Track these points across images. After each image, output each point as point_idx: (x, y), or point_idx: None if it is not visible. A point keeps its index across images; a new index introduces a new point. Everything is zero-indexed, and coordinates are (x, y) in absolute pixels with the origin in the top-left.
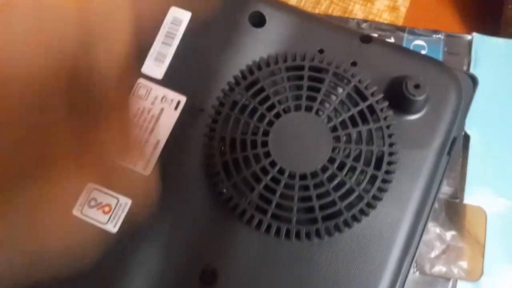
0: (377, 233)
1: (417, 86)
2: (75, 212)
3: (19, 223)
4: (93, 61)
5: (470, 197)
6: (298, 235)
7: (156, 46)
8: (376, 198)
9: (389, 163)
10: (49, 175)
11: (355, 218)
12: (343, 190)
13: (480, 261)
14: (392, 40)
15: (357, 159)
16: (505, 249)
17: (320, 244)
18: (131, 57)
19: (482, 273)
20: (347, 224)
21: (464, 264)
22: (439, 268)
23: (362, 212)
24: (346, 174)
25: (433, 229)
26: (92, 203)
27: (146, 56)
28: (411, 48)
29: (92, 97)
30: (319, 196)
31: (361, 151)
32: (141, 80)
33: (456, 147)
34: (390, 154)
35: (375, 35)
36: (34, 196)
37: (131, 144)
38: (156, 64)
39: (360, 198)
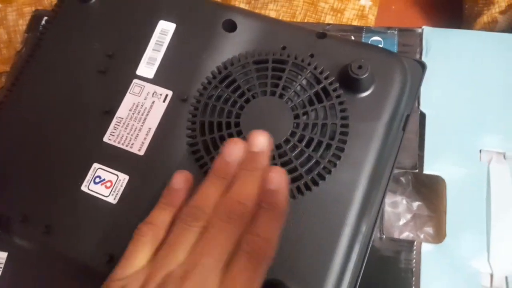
0: (335, 195)
1: (360, 67)
2: (83, 188)
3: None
4: None
5: (430, 168)
6: None
7: (148, 52)
8: (331, 163)
9: (342, 133)
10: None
11: (314, 181)
12: (303, 158)
13: (443, 225)
14: (352, 38)
15: (314, 132)
16: (464, 213)
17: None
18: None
19: (445, 236)
20: (307, 186)
21: (429, 229)
22: (407, 234)
23: (319, 175)
24: (305, 145)
25: (402, 201)
26: (97, 179)
27: (140, 61)
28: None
29: None
30: (283, 164)
31: (317, 125)
32: (136, 81)
33: (413, 124)
34: (342, 126)
35: (338, 34)
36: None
37: None
38: (148, 66)
39: (317, 163)
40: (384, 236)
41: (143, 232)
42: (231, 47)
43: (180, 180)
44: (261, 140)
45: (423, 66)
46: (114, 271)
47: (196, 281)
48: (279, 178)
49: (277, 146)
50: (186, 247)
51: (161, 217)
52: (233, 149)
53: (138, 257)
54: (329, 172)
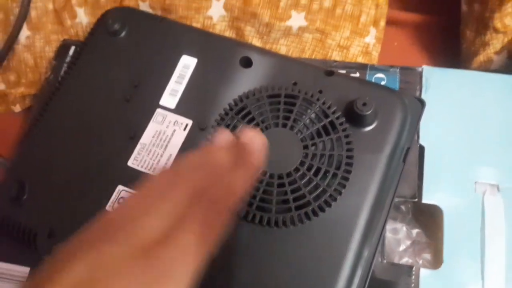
0: (340, 221)
1: (364, 104)
2: (108, 208)
3: None
4: None
5: (429, 198)
6: (276, 223)
7: (171, 84)
8: (337, 191)
9: (347, 164)
10: None
11: (320, 208)
12: (311, 186)
13: (441, 252)
14: (357, 75)
15: (322, 161)
16: (460, 240)
17: (294, 231)
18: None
19: (442, 262)
20: (314, 212)
21: (427, 255)
22: (406, 260)
23: (326, 203)
24: (313, 173)
25: (402, 228)
26: (121, 201)
27: (163, 92)
28: (373, 80)
29: None
30: (293, 191)
31: (324, 155)
32: (159, 110)
33: (413, 156)
34: (348, 157)
35: (344, 71)
36: None
37: None
38: (171, 97)
39: (324, 191)
40: (385, 261)
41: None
42: (247, 81)
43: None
44: (251, 134)
45: (422, 103)
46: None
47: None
48: (258, 139)
49: (287, 174)
50: None
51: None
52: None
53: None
54: (335, 199)
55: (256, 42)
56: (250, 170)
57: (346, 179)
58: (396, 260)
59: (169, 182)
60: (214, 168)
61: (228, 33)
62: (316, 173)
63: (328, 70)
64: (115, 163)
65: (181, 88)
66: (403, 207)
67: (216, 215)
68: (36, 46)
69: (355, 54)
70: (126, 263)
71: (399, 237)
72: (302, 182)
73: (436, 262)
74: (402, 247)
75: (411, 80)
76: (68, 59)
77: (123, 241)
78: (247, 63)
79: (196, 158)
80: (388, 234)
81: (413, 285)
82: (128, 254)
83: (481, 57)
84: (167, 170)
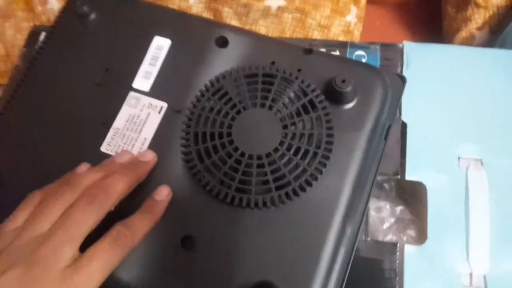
0: (321, 200)
1: (343, 81)
2: None
3: None
4: None
5: (412, 175)
6: (256, 204)
7: (144, 66)
8: (317, 170)
9: (327, 143)
10: None
11: (301, 187)
12: (291, 165)
13: (425, 228)
14: (337, 53)
15: (301, 141)
16: (444, 216)
17: (276, 211)
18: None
19: (426, 238)
20: (295, 192)
21: (412, 232)
22: (390, 237)
23: (306, 182)
24: (293, 153)
25: (386, 206)
26: None
27: (136, 75)
28: (354, 58)
29: None
30: (273, 171)
31: (304, 135)
32: (132, 93)
33: (395, 133)
34: (328, 136)
35: (324, 50)
36: None
37: None
38: (144, 80)
39: (304, 171)
40: (369, 239)
41: (30, 196)
42: (223, 62)
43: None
44: (149, 154)
45: (403, 80)
46: (4, 223)
47: (48, 249)
48: (166, 192)
49: (267, 155)
50: (52, 218)
51: (52, 188)
52: (124, 154)
53: (20, 215)
54: (316, 178)
55: (235, 24)
56: (153, 221)
57: (327, 157)
58: (380, 238)
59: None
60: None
61: (205, 15)
62: (296, 153)
63: (306, 48)
64: (88, 150)
65: (155, 70)
66: (386, 185)
67: (117, 253)
68: (7, 34)
69: (336, 34)
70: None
71: (383, 215)
72: (282, 162)
73: (421, 238)
74: (386, 225)
75: (392, 56)
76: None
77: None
78: (223, 43)
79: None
80: (372, 213)
81: (397, 261)
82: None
83: (463, 33)
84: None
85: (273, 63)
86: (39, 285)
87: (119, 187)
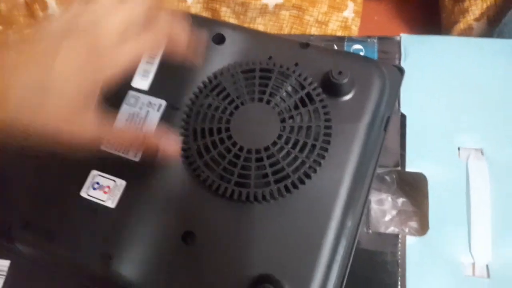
0: (321, 192)
1: (340, 73)
2: (82, 193)
3: None
4: None
5: (412, 166)
6: (256, 197)
7: (142, 65)
8: (316, 162)
9: (325, 135)
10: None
11: (300, 180)
12: (289, 158)
13: (426, 219)
14: (335, 47)
15: (300, 134)
16: (445, 207)
17: (275, 205)
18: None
19: (428, 228)
20: (294, 185)
21: (414, 223)
22: (392, 229)
23: (305, 175)
24: (291, 146)
25: (387, 198)
26: (95, 186)
27: (134, 74)
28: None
29: None
30: (271, 165)
31: (302, 127)
32: (131, 92)
33: (395, 124)
34: (326, 128)
35: (321, 45)
36: None
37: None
38: (143, 79)
39: (303, 163)
40: (370, 231)
41: None
42: (221, 58)
43: None
44: None
45: (401, 71)
46: None
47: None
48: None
49: (265, 148)
50: None
51: None
52: None
53: None
54: (315, 171)
55: (233, 22)
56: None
57: (325, 150)
58: (382, 230)
59: None
60: None
61: (204, 15)
62: (294, 146)
63: (303, 42)
64: (88, 147)
65: (153, 69)
66: (387, 178)
67: None
68: (10, 41)
69: (334, 29)
70: None
71: (385, 207)
72: (281, 155)
73: (422, 229)
74: (388, 217)
75: (390, 49)
76: None
77: None
78: (220, 39)
79: None
80: (374, 206)
81: (399, 253)
82: None
83: (461, 25)
84: None
85: (270, 58)
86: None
87: None
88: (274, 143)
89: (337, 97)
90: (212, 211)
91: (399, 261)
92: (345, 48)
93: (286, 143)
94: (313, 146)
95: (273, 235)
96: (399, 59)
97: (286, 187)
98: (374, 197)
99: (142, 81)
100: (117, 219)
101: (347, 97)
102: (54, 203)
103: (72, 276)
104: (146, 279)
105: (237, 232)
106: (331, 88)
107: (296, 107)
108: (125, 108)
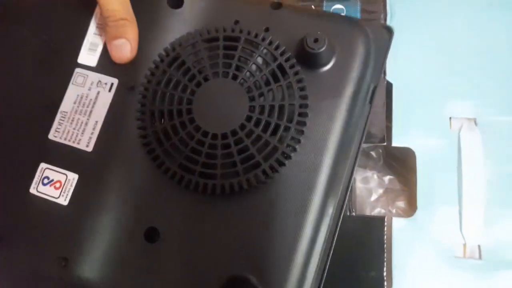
0: (297, 180)
1: (316, 40)
2: (32, 190)
3: None
4: None
5: (400, 140)
6: (223, 189)
7: (89, 37)
8: (290, 147)
9: (301, 115)
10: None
11: (272, 168)
12: (259, 143)
13: (414, 198)
14: (312, 7)
15: (271, 115)
16: (435, 184)
17: (245, 196)
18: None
19: (416, 209)
20: (266, 174)
21: (401, 203)
22: (379, 210)
23: (278, 162)
24: (262, 129)
25: (373, 176)
26: (45, 180)
27: (81, 48)
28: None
29: None
30: (240, 151)
31: (274, 107)
32: (78, 70)
33: (380, 94)
34: (301, 106)
35: (297, 4)
36: None
37: None
38: (90, 53)
39: (275, 149)
40: (354, 214)
41: None
42: (179, 25)
43: None
44: None
45: (390, 32)
46: None
47: None
48: None
49: (232, 133)
50: None
51: None
52: None
53: None
54: (289, 157)
55: None
56: None
57: (301, 132)
58: (367, 212)
59: None
60: None
61: None
62: (265, 129)
63: (275, 2)
64: (35, 138)
65: (101, 41)
66: (373, 153)
67: None
68: None
69: None
70: None
71: (371, 186)
72: (250, 140)
73: (410, 209)
74: (374, 197)
75: (374, 9)
76: None
77: None
78: (177, 2)
79: None
80: (359, 184)
81: (385, 237)
82: None
83: None
84: None
85: (236, 22)
86: None
87: None
88: (242, 126)
89: (314, 69)
90: (176, 205)
91: (385, 245)
92: (324, 8)
93: (256, 125)
94: (287, 128)
95: (244, 231)
96: (385, 19)
97: (256, 176)
98: (359, 175)
99: (89, 56)
100: (71, 218)
101: (326, 67)
102: (2, 202)
103: (25, 280)
104: (109, 283)
105: (203, 229)
106: (307, 58)
107: (267, 83)
108: (71, 90)
